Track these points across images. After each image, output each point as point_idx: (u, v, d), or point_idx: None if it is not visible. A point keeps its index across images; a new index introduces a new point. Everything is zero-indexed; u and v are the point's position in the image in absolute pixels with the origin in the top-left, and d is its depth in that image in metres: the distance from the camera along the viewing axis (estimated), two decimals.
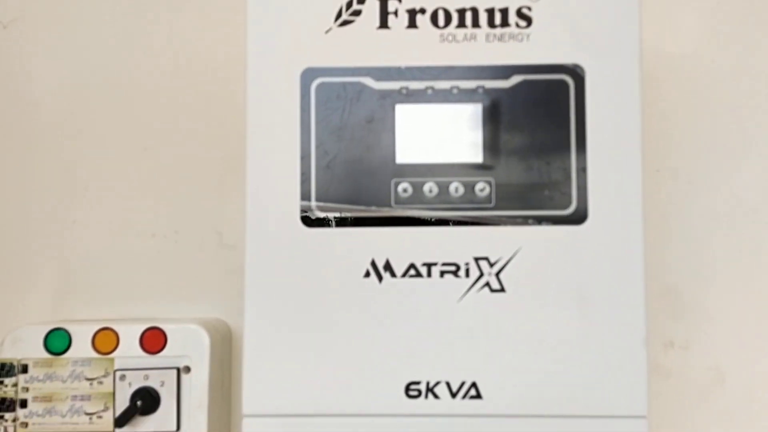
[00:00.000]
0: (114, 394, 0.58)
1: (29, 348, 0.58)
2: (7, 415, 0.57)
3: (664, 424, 0.62)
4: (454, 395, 0.47)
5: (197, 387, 0.58)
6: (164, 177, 0.67)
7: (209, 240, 0.66)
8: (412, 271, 0.48)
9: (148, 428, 0.58)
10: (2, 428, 0.57)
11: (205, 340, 0.59)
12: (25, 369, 0.58)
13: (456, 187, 0.49)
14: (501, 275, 0.48)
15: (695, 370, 0.64)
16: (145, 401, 0.57)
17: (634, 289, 0.48)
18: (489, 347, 0.48)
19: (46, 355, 0.58)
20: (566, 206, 0.48)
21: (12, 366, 0.57)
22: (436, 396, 0.47)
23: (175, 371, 0.58)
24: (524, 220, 0.48)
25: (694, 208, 0.66)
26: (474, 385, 0.47)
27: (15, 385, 0.57)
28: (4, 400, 0.57)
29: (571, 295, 0.48)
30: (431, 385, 0.47)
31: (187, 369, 0.58)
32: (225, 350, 0.63)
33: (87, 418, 0.58)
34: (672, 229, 0.66)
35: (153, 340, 0.58)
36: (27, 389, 0.58)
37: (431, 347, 0.48)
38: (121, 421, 0.56)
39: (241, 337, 0.65)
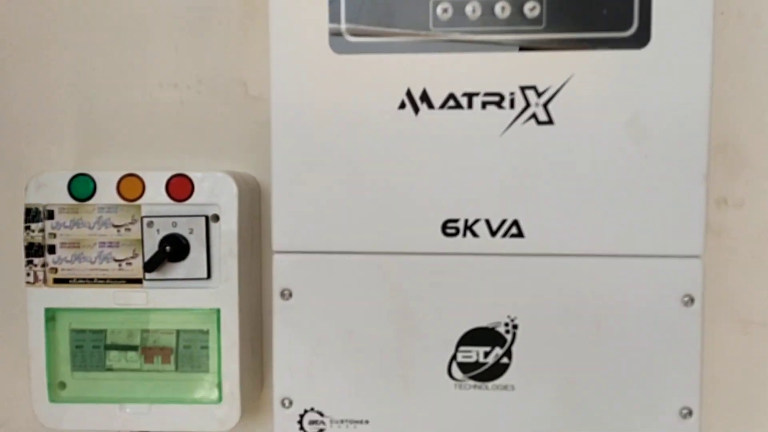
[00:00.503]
0: (142, 240, 0.56)
1: (54, 194, 0.56)
2: (36, 260, 0.57)
3: (713, 282, 0.59)
4: (493, 233, 0.45)
5: (227, 235, 0.56)
6: (185, 24, 0.63)
7: (234, 91, 0.63)
8: (451, 102, 0.44)
9: (178, 275, 0.57)
10: (32, 273, 0.57)
11: (233, 188, 0.56)
12: (51, 215, 0.57)
13: (502, 7, 0.44)
14: (549, 106, 0.44)
15: (748, 229, 0.61)
16: (174, 247, 0.55)
17: (698, 121, 0.43)
18: (533, 183, 0.44)
19: (71, 201, 0.56)
20: (626, 27, 0.43)
21: (38, 211, 0.56)
22: (474, 234, 0.45)
23: (203, 219, 0.56)
24: (578, 44, 0.43)
25: (760, 56, 0.60)
26: (515, 223, 0.45)
27: (42, 230, 0.56)
28: (32, 245, 0.57)
29: (626, 128, 0.43)
30: (470, 222, 0.45)
31: (216, 218, 0.57)
32: (254, 201, 0.61)
33: (116, 264, 0.57)
34: (734, 79, 0.60)
35: (179, 187, 0.56)
36: (54, 235, 0.57)
37: (470, 183, 0.45)
38: (150, 265, 0.55)
39: (269, 192, 0.63)
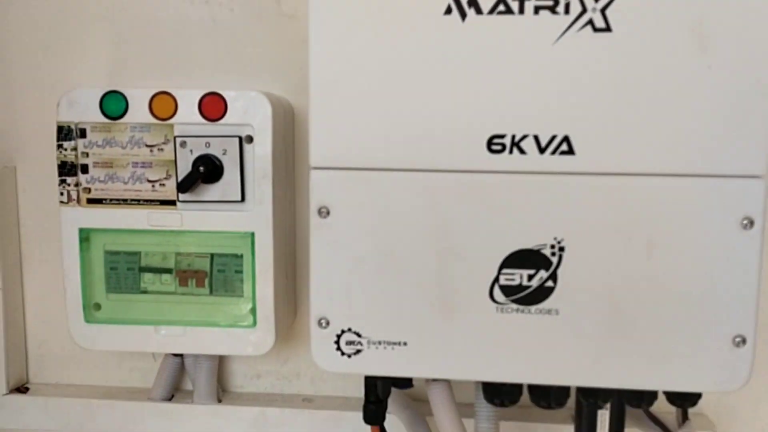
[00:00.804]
0: (175, 161, 0.55)
1: (86, 111, 0.55)
2: (69, 180, 0.56)
3: None
4: (542, 150, 0.42)
5: (261, 157, 0.55)
6: None
7: (267, 8, 0.60)
8: (501, 7, 0.41)
9: (213, 197, 0.55)
10: (66, 193, 0.56)
11: (267, 108, 0.55)
12: (83, 133, 0.55)
13: None
14: (607, 11, 0.41)
15: None
16: (208, 168, 0.54)
17: (767, 30, 0.40)
18: (586, 96, 0.41)
19: (104, 119, 0.55)
20: None
21: (70, 129, 0.55)
22: (522, 151, 0.42)
23: (237, 140, 0.55)
24: None
25: None
26: (566, 139, 0.42)
27: (74, 149, 0.56)
28: (64, 164, 0.56)
29: (690, 36, 0.40)
30: (517, 138, 0.42)
31: (250, 139, 0.55)
32: (287, 123, 0.59)
33: (149, 185, 0.56)
34: None
35: (212, 106, 0.54)
36: (87, 154, 0.56)
37: (519, 96, 0.42)
38: (183, 186, 0.54)
39: (303, 114, 0.61)
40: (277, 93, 0.60)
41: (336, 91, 0.43)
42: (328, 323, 0.46)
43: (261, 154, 0.55)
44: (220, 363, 0.65)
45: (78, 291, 0.58)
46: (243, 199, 0.56)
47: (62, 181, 0.56)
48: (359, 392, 0.64)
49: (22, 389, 0.65)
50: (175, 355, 0.64)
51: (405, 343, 0.45)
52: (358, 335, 0.46)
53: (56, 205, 0.57)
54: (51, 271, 0.65)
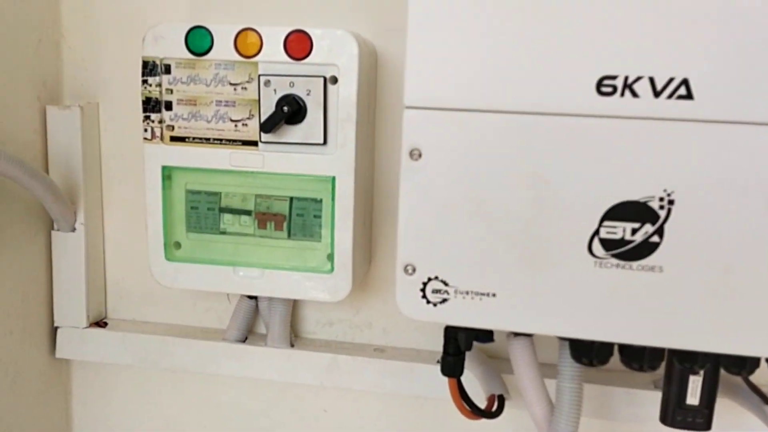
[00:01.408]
0: (259, 100, 0.54)
1: (171, 47, 0.54)
2: (153, 116, 0.56)
3: None
4: (657, 94, 0.39)
5: (345, 99, 0.53)
6: None
7: None
8: None
9: (295, 139, 0.54)
10: (150, 129, 0.56)
11: (354, 48, 0.53)
12: (167, 69, 0.55)
13: None
14: None
15: None
16: (291, 108, 0.53)
17: None
18: (709, 35, 0.38)
19: (188, 56, 0.54)
20: None
21: (155, 65, 0.55)
22: (634, 94, 0.39)
23: (321, 80, 0.53)
24: None
25: None
26: (685, 82, 0.39)
27: (159, 85, 0.55)
28: (149, 99, 0.55)
29: None
30: (630, 80, 0.39)
31: (334, 79, 0.53)
32: (371, 65, 0.57)
33: (232, 125, 0.55)
34: None
35: (298, 44, 0.53)
36: (171, 91, 0.55)
37: (633, 33, 0.39)
38: (266, 126, 0.53)
39: (386, 57, 0.59)
40: (361, 33, 0.58)
41: (435, 26, 0.41)
42: (414, 270, 0.44)
43: (345, 95, 0.53)
44: (293, 308, 0.65)
45: (160, 229, 0.58)
46: (325, 142, 0.54)
47: (146, 118, 0.56)
48: (431, 345, 0.64)
49: (101, 324, 0.66)
50: (250, 297, 0.64)
51: (494, 295, 0.44)
52: (445, 284, 0.44)
53: (136, 144, 0.57)
54: (130, 211, 0.65)
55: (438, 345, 0.63)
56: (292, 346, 0.64)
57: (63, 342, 0.65)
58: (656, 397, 0.51)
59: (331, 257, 0.57)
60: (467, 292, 0.44)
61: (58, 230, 0.63)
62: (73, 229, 0.63)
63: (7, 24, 0.56)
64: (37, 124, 0.61)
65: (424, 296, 0.45)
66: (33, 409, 0.64)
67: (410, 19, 0.41)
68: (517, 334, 0.50)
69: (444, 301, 0.44)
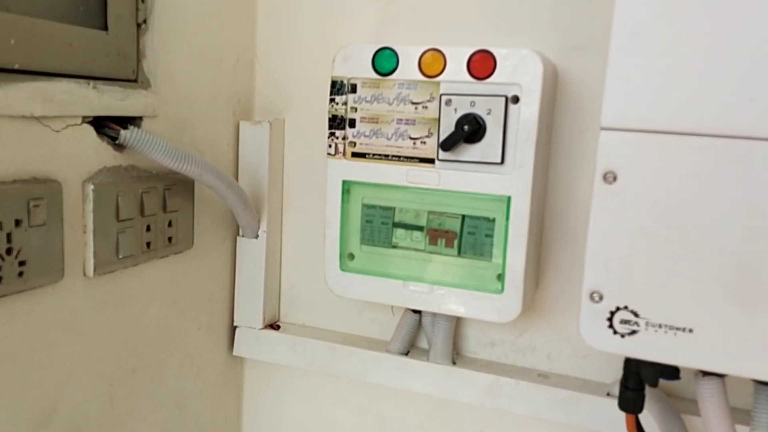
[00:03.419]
0: (439, 119, 0.55)
1: (359, 66, 0.57)
2: (338, 133, 0.58)
3: None
4: None
5: (526, 118, 0.53)
6: None
7: None
8: None
9: (472, 158, 0.55)
10: (333, 145, 0.59)
11: (539, 67, 0.52)
12: (354, 88, 0.57)
13: None
14: None
15: None
16: (472, 127, 0.53)
17: None
18: None
19: (374, 75, 0.56)
20: None
21: (342, 84, 0.57)
22: None
23: (503, 99, 0.53)
24: None
25: None
26: None
27: (345, 103, 0.58)
28: (335, 117, 0.58)
29: None
30: None
31: (516, 99, 0.53)
32: (552, 85, 0.56)
33: (411, 142, 0.56)
34: None
35: (481, 64, 0.53)
36: (355, 109, 0.58)
37: None
38: (446, 144, 0.54)
39: (566, 76, 0.57)
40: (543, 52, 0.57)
41: (639, 44, 0.39)
42: (601, 297, 0.43)
43: (526, 115, 0.53)
44: (456, 326, 0.65)
45: (336, 240, 0.61)
46: (503, 161, 0.54)
47: (331, 134, 0.59)
48: (598, 376, 0.61)
49: (274, 326, 0.70)
50: (415, 312, 0.65)
51: (690, 330, 0.41)
52: (636, 314, 0.42)
53: (317, 159, 0.60)
54: (307, 221, 0.69)
55: (606, 376, 0.61)
56: (454, 363, 0.64)
57: (240, 341, 0.70)
58: None
59: (501, 277, 0.56)
60: (660, 325, 0.41)
61: (243, 236, 0.68)
62: (257, 236, 0.68)
63: (209, 45, 0.62)
64: (231, 138, 0.66)
65: (611, 326, 0.43)
66: (211, 401, 0.69)
67: (613, 37, 0.40)
68: (707, 373, 0.46)
69: (633, 332, 0.42)
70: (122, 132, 0.51)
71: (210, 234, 0.65)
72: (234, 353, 0.70)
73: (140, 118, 0.55)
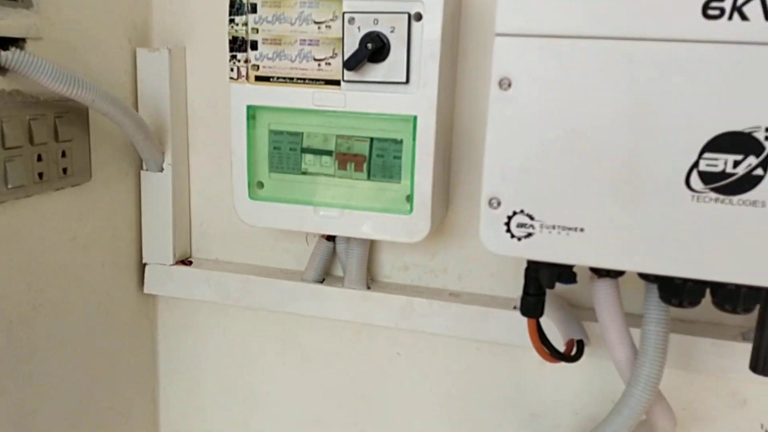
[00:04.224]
0: (342, 38, 0.54)
1: None
2: (239, 56, 0.57)
3: None
4: None
5: (429, 36, 0.53)
6: None
7: None
8: None
9: (377, 77, 0.54)
10: (236, 69, 0.57)
11: None
12: (254, 8, 0.55)
13: None
14: None
15: None
16: (375, 45, 0.53)
17: None
18: None
19: None
20: None
21: (242, 3, 0.55)
22: (743, 17, 0.37)
23: (406, 16, 0.53)
24: None
25: None
26: None
27: (245, 24, 0.56)
28: (236, 39, 0.56)
29: None
30: (739, 2, 0.37)
31: (419, 16, 0.53)
32: (456, 1, 0.56)
33: (315, 64, 0.55)
34: None
35: None
36: (257, 30, 0.56)
37: None
38: (350, 63, 0.53)
39: None
40: None
41: None
42: (499, 203, 0.44)
43: (430, 32, 0.53)
44: (370, 252, 0.65)
45: (244, 168, 0.59)
46: (407, 80, 0.54)
47: (232, 57, 0.57)
48: (507, 292, 0.63)
49: (186, 262, 0.69)
50: (328, 239, 0.65)
51: (582, 229, 0.43)
52: (531, 218, 0.43)
53: (222, 87, 0.59)
54: (215, 152, 0.67)
55: (514, 292, 0.63)
56: (369, 288, 0.65)
57: (151, 278, 0.68)
58: (745, 349, 0.49)
59: (410, 198, 0.57)
60: (553, 227, 0.43)
61: (147, 170, 0.66)
62: (161, 170, 0.65)
63: None
64: (129, 66, 0.63)
65: (508, 230, 0.44)
66: (122, 341, 0.68)
67: None
68: (601, 276, 0.49)
69: (529, 235, 0.44)
70: (2, 53, 0.48)
71: (110, 167, 0.63)
72: (145, 291, 0.69)
73: (23, 40, 0.51)
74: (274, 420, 0.71)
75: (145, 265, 0.68)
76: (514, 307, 0.60)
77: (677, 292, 0.44)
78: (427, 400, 0.66)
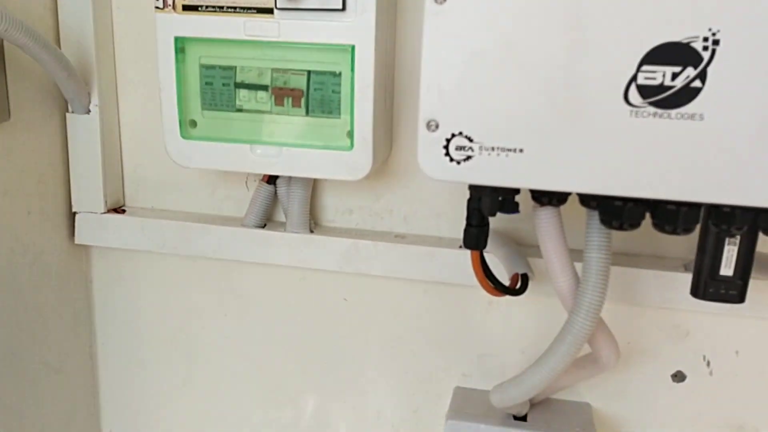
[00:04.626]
0: None
1: None
2: None
3: None
4: None
5: None
6: None
7: None
8: None
9: (312, 4, 0.51)
10: None
11: None
12: None
13: None
14: None
15: None
16: None
17: None
18: None
19: None
20: None
21: None
22: None
23: None
24: None
25: None
26: None
27: None
28: None
29: None
30: None
31: None
32: None
33: None
34: None
35: None
36: None
37: None
38: None
39: None
40: None
41: None
42: (437, 126, 0.42)
43: None
44: (312, 196, 0.63)
45: (174, 105, 0.56)
46: (344, 7, 0.51)
47: None
48: (453, 233, 0.62)
49: (119, 210, 0.66)
50: (269, 182, 0.62)
51: (521, 150, 0.41)
52: (470, 140, 0.42)
53: (151, 20, 0.55)
54: (145, 93, 0.64)
55: (461, 233, 0.62)
56: (312, 232, 0.63)
57: (81, 227, 0.65)
58: (687, 279, 0.49)
59: (350, 134, 0.55)
60: (493, 149, 0.42)
61: (72, 112, 0.62)
62: (88, 111, 0.62)
63: None
64: (47, 0, 0.59)
65: (447, 154, 0.43)
66: (53, 294, 0.64)
67: None
68: (543, 204, 0.48)
69: (468, 158, 0.42)
70: None
71: (32, 107, 0.59)
72: (76, 241, 0.65)
73: None
74: (217, 371, 0.70)
75: (75, 213, 0.65)
76: (460, 247, 0.59)
77: (617, 214, 0.43)
78: (376, 344, 0.65)
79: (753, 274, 0.46)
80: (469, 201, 0.48)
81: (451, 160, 0.43)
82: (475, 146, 0.42)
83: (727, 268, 0.46)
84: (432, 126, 0.42)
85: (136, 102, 0.64)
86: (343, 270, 0.62)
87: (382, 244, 0.61)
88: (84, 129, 0.62)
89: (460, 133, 0.42)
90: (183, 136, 0.57)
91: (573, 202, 0.46)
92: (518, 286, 0.53)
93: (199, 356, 0.70)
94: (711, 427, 0.61)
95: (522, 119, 0.41)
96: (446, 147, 0.42)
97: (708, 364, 0.59)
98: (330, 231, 0.63)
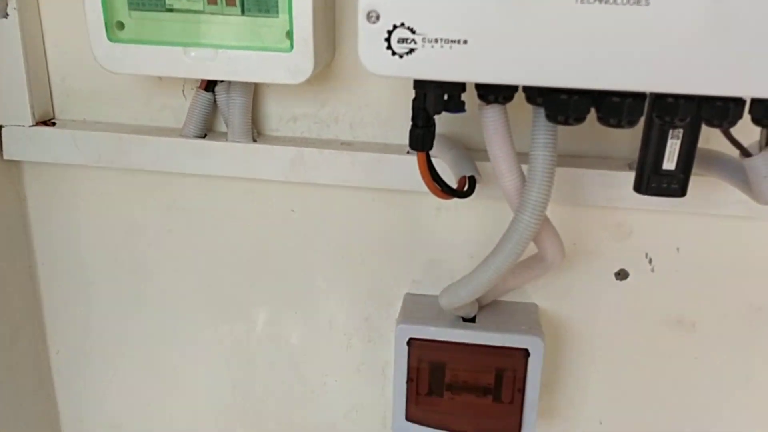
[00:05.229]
0: None
1: None
2: None
3: None
4: None
5: None
6: None
7: None
8: None
9: None
10: None
11: None
12: None
13: None
14: None
15: None
16: None
17: None
18: None
19: None
20: None
21: None
22: None
23: None
24: None
25: None
26: None
27: None
28: None
29: None
30: None
31: None
32: None
33: None
34: None
35: None
36: None
37: None
38: None
39: None
40: None
41: None
42: (378, 17, 0.40)
43: None
44: (254, 105, 0.61)
45: (98, 5, 0.52)
46: None
47: None
48: (400, 139, 0.61)
49: (48, 123, 0.62)
50: (207, 90, 0.60)
51: (465, 41, 0.40)
52: (412, 31, 0.40)
53: None
54: None
55: (407, 138, 0.61)
56: (255, 141, 0.61)
57: (9, 142, 0.61)
58: (631, 177, 0.49)
59: (290, 34, 0.52)
60: (436, 40, 0.40)
61: None
62: (5, 15, 0.57)
63: None
64: None
65: (389, 47, 0.41)
66: None
67: None
68: (489, 102, 0.47)
69: (411, 51, 0.41)
70: None
71: None
72: (5, 157, 0.62)
73: None
74: (166, 289, 0.68)
75: (0, 127, 0.61)
76: (408, 152, 0.58)
77: (563, 108, 0.43)
78: (325, 254, 0.65)
79: (693, 169, 0.46)
80: (414, 100, 0.47)
81: (394, 53, 0.41)
82: (417, 38, 0.40)
83: (669, 162, 0.46)
84: (372, 17, 0.40)
85: (58, 3, 0.60)
86: (290, 180, 0.60)
87: (328, 151, 0.59)
88: (2, 34, 0.57)
89: (402, 24, 0.40)
90: (110, 39, 0.54)
91: (519, 106, 0.45)
92: (466, 189, 0.53)
93: (146, 273, 0.68)
94: (652, 323, 0.63)
95: (465, 8, 0.39)
96: (388, 40, 0.41)
97: (650, 261, 0.61)
98: (274, 140, 0.61)
